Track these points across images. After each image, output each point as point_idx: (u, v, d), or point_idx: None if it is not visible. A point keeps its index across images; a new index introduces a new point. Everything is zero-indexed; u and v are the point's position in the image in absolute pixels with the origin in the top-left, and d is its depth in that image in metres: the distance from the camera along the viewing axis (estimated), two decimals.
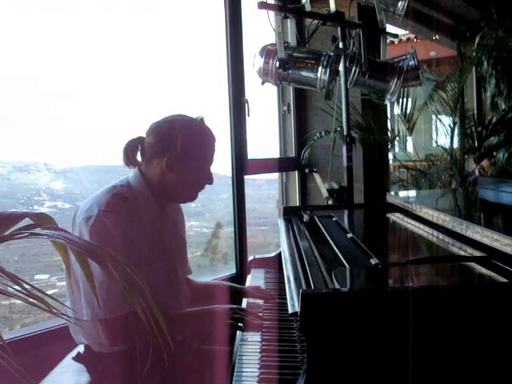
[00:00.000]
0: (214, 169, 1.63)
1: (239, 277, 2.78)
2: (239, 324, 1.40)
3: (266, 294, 1.69)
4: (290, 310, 1.03)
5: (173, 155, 1.51)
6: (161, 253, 1.54)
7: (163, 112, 1.65)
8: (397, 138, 3.40)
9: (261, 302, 1.61)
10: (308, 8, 2.36)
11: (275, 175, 3.47)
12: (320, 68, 2.19)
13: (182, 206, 1.75)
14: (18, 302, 0.69)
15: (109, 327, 1.36)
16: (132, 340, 1.33)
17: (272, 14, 2.19)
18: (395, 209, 1.79)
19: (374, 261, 1.13)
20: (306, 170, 3.35)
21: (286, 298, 1.14)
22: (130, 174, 1.57)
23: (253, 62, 2.29)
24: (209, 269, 3.58)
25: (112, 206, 1.42)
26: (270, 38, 2.24)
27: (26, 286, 0.67)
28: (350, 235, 1.48)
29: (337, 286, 0.98)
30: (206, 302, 1.63)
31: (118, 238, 1.39)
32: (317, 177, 3.18)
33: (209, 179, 1.59)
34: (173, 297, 1.57)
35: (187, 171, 1.53)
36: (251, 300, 1.64)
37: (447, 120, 3.63)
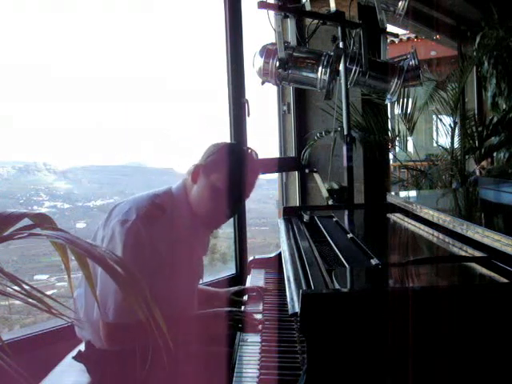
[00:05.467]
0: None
1: (239, 277, 2.78)
2: (239, 325, 1.40)
3: (264, 288, 1.71)
4: (290, 311, 1.02)
5: (200, 166, 1.51)
6: (187, 268, 1.54)
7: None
8: (397, 138, 3.39)
9: (260, 306, 1.60)
10: (308, 7, 2.35)
11: (275, 175, 3.46)
12: (320, 68, 2.18)
13: None
14: (18, 302, 0.68)
15: (112, 330, 1.37)
16: (130, 345, 1.34)
17: (272, 13, 2.18)
18: (395, 209, 1.79)
19: (374, 261, 1.13)
20: (306, 170, 3.35)
21: (286, 299, 1.14)
22: (175, 184, 1.57)
23: (253, 62, 2.29)
24: (208, 269, 3.58)
25: (150, 215, 1.42)
26: (270, 37, 2.24)
27: (26, 287, 0.67)
28: (350, 235, 1.47)
29: (337, 286, 0.98)
30: (202, 306, 1.64)
31: (149, 247, 1.39)
32: (317, 177, 3.18)
33: (224, 210, 1.50)
34: (184, 305, 1.57)
35: (204, 185, 1.49)
36: (250, 306, 1.64)
37: (448, 120, 3.62)
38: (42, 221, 0.77)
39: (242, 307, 1.62)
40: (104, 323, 1.37)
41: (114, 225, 1.40)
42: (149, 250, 1.39)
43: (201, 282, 1.73)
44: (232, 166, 1.48)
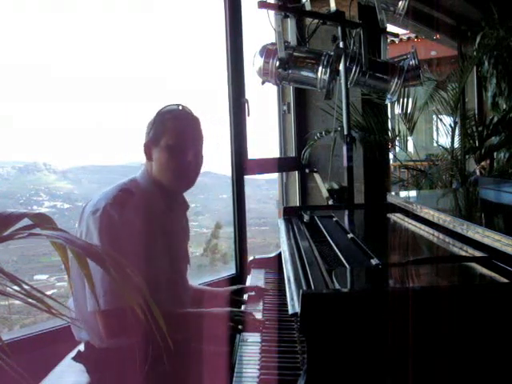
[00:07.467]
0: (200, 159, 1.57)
1: (239, 277, 2.78)
2: (239, 326, 1.40)
3: (264, 288, 1.71)
4: (290, 311, 1.02)
5: (147, 143, 1.56)
6: (166, 248, 1.55)
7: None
8: (397, 138, 3.39)
9: (260, 306, 1.60)
10: (308, 7, 2.35)
11: (275, 175, 3.46)
12: (320, 68, 2.18)
13: None
14: (17, 302, 0.68)
15: (108, 318, 1.37)
16: (130, 333, 1.33)
17: (272, 13, 2.18)
18: (396, 209, 1.79)
19: (374, 261, 1.13)
20: (306, 170, 3.35)
21: (286, 299, 1.14)
22: (139, 171, 1.60)
23: (253, 62, 2.29)
24: (209, 269, 3.58)
25: (119, 200, 1.45)
26: (270, 37, 2.24)
27: (25, 287, 0.67)
28: (350, 235, 1.47)
29: (337, 286, 0.98)
30: (202, 306, 1.64)
31: (124, 230, 1.41)
32: (317, 177, 3.18)
33: (186, 162, 1.53)
34: (175, 292, 1.58)
35: (159, 153, 1.53)
36: (249, 306, 1.64)
37: (448, 120, 3.62)
38: (42, 221, 0.77)
39: (243, 307, 1.62)
40: (100, 313, 1.37)
41: (87, 218, 1.43)
42: (125, 232, 1.40)
43: (189, 268, 1.73)
44: (172, 123, 1.55)
